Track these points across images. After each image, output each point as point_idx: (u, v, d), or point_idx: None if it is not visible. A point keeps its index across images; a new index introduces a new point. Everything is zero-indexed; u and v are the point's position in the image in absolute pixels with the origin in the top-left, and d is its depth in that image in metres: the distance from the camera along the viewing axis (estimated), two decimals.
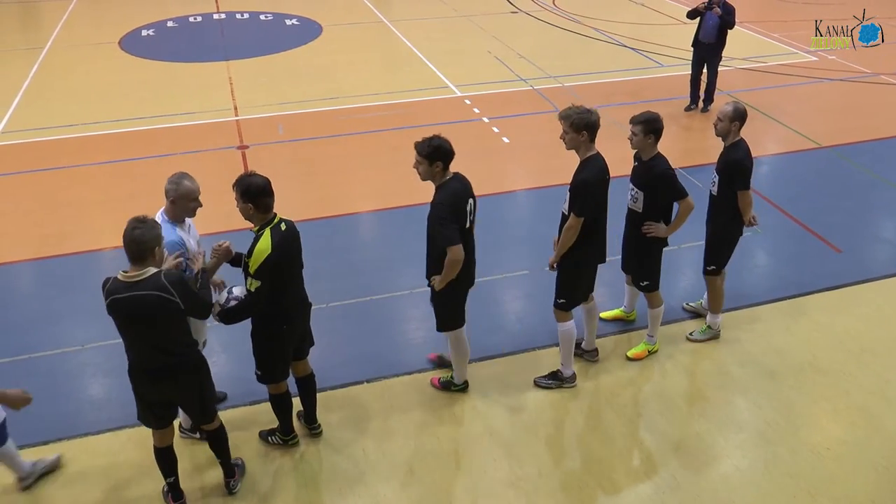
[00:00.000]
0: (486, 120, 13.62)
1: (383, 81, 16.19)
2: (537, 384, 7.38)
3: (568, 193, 6.87)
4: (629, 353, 7.76)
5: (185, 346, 5.57)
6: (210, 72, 17.04)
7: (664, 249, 7.41)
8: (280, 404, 6.47)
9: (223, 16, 22.11)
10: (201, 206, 6.09)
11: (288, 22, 21.27)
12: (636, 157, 7.30)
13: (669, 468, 6.42)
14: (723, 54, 13.91)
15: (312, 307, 6.35)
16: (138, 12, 22.04)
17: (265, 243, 5.67)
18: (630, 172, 7.35)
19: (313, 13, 21.76)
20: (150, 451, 5.94)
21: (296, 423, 6.76)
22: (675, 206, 7.17)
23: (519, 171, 11.80)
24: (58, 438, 6.79)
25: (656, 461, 6.52)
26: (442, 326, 6.93)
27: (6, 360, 7.77)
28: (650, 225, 7.19)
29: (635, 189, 7.24)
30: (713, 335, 7.98)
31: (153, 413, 5.71)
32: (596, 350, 7.71)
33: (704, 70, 13.99)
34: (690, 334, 8.01)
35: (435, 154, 6.27)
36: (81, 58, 18.27)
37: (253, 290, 5.71)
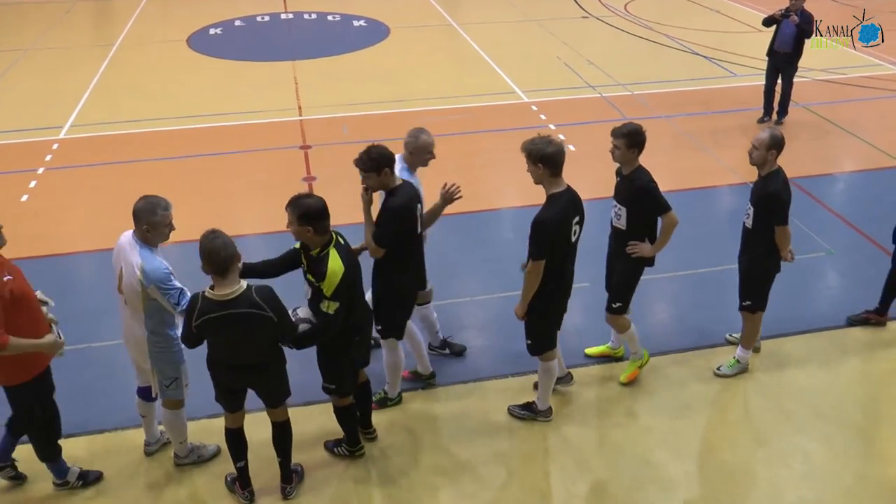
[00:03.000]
0: (552, 127, 13.33)
1: (450, 85, 16.01)
2: (511, 412, 7.03)
3: (620, 206, 6.72)
4: (622, 379, 7.37)
5: (273, 347, 5.64)
6: (276, 71, 17.05)
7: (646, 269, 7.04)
8: (347, 416, 6.41)
9: (291, 16, 22.16)
10: (434, 157, 6.90)
11: (356, 23, 21.22)
12: (617, 172, 6.92)
13: None
14: (799, 64, 13.40)
15: None
16: (207, 11, 22.20)
17: (336, 263, 5.60)
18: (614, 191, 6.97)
19: (381, 15, 21.67)
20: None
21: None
22: (660, 221, 6.81)
23: (583, 180, 11.36)
24: (113, 428, 6.84)
25: None
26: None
27: (68, 347, 7.75)
28: (634, 244, 6.81)
29: (618, 205, 6.87)
30: (741, 370, 7.47)
31: (230, 396, 5.81)
32: (568, 374, 7.30)
33: (779, 81, 13.50)
34: (718, 369, 7.51)
35: (380, 162, 6.28)
36: (150, 55, 18.46)
37: (332, 312, 5.65)
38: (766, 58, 13.49)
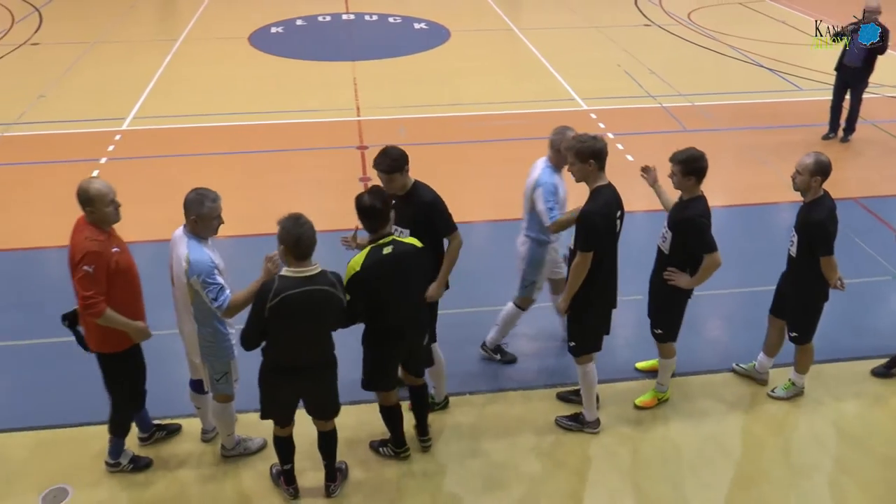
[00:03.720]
0: (610, 136, 13.16)
1: (508, 90, 15.93)
2: (558, 423, 6.93)
3: (668, 229, 6.51)
4: (637, 402, 7.18)
5: (331, 344, 5.69)
6: (335, 71, 17.13)
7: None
8: (387, 416, 6.40)
9: (352, 16, 22.27)
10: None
11: (416, 26, 21.24)
12: (680, 196, 6.67)
13: None
14: (870, 80, 13.06)
15: None
16: (269, 10, 22.39)
17: (356, 261, 5.71)
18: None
19: (442, 18, 21.65)
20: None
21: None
22: None
23: (640, 191, 11.26)
24: (163, 417, 6.90)
25: None
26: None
27: None
28: (672, 272, 6.55)
29: (666, 227, 6.62)
30: (796, 392, 7.23)
31: (283, 409, 5.81)
32: (597, 420, 7.02)
33: (847, 97, 13.15)
34: (773, 391, 7.28)
35: (402, 162, 6.27)
36: (212, 51, 18.68)
37: (346, 298, 5.67)
38: (835, 72, 13.15)
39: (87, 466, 6.44)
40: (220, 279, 5.65)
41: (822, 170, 6.49)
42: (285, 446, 6.00)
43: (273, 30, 20.58)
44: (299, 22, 21.48)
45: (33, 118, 14.21)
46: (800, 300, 6.91)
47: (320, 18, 21.93)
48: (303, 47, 18.97)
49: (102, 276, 5.56)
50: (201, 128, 13.84)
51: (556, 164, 6.95)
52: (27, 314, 8.46)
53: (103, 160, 12.26)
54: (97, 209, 5.67)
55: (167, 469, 6.46)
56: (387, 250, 5.74)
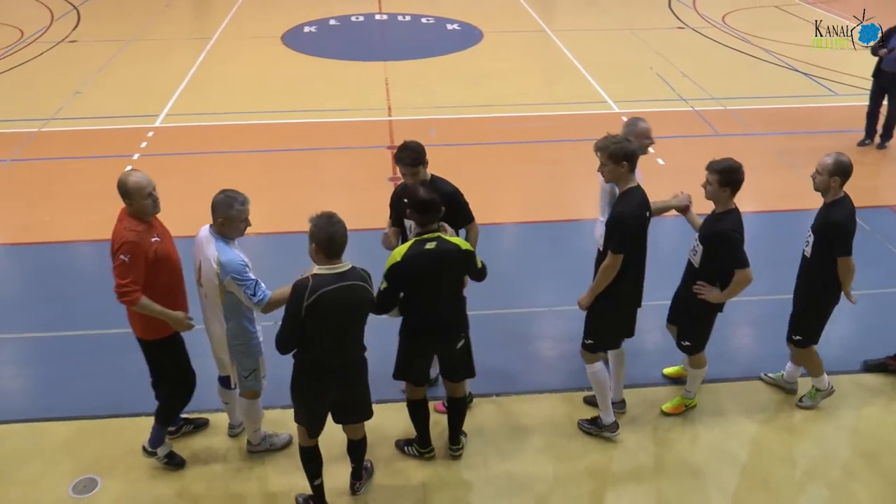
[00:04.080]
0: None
1: (540, 92, 15.90)
2: (580, 427, 6.89)
3: (699, 243, 6.43)
4: (664, 407, 7.09)
5: (363, 340, 5.67)
6: (367, 71, 17.19)
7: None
8: (412, 412, 6.42)
9: (385, 17, 22.33)
10: (653, 143, 6.95)
11: (449, 26, 21.26)
12: (713, 209, 6.54)
13: None
14: None
15: None
16: (302, 9, 22.52)
17: (399, 251, 5.76)
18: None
19: (475, 19, 21.65)
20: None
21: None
22: None
23: (671, 195, 11.26)
24: (189, 412, 6.87)
25: None
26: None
27: None
28: (702, 286, 6.43)
29: (697, 241, 6.50)
30: (825, 395, 7.09)
31: (318, 415, 5.73)
32: (623, 402, 7.04)
33: (885, 102, 12.95)
34: (800, 401, 7.16)
35: (422, 154, 6.47)
36: (245, 49, 18.84)
37: (381, 288, 5.76)
38: (872, 78, 12.97)
39: (117, 458, 6.51)
40: (251, 275, 5.73)
41: (841, 170, 6.39)
42: (313, 458, 5.89)
43: (306, 29, 20.69)
44: (332, 22, 21.57)
45: (69, 114, 14.40)
46: (809, 301, 6.78)
47: (353, 18, 22.01)
48: (335, 47, 19.06)
49: (139, 266, 5.66)
50: (233, 125, 13.94)
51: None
52: (59, 306, 8.57)
53: (136, 156, 12.39)
54: (134, 201, 5.80)
55: (193, 463, 6.51)
56: (430, 245, 5.75)
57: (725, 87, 16.01)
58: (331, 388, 5.60)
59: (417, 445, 6.56)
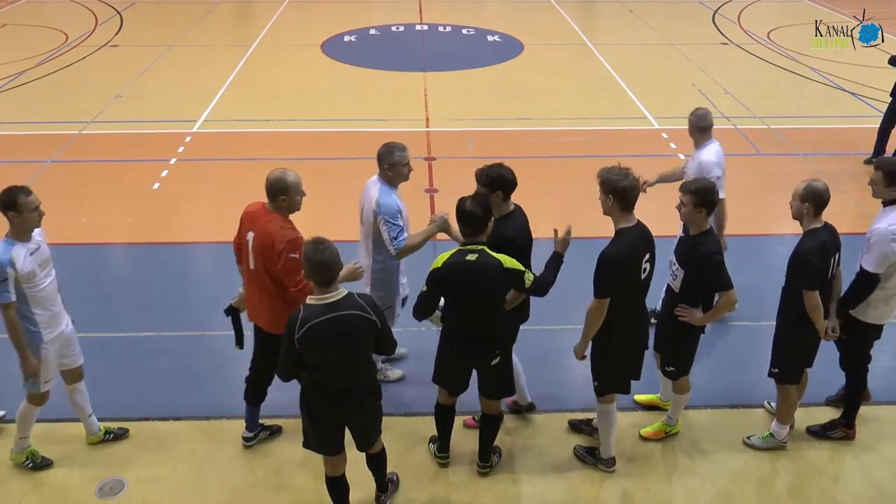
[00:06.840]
0: (681, 157, 12.85)
1: (580, 106, 15.76)
2: (576, 453, 6.70)
3: (679, 267, 6.23)
4: (642, 432, 6.88)
5: (371, 369, 5.62)
6: (406, 81, 17.16)
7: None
8: (437, 413, 6.42)
9: (425, 27, 22.31)
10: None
11: (490, 38, 21.18)
12: (684, 229, 6.33)
13: None
14: None
15: None
16: (343, 18, 22.59)
17: (442, 257, 5.80)
18: None
19: (517, 31, 21.55)
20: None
21: None
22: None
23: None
24: (218, 416, 7.01)
25: None
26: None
27: (182, 333, 8.19)
28: (684, 308, 6.20)
29: (676, 265, 6.27)
30: (775, 445, 6.70)
31: (327, 436, 5.53)
32: (612, 459, 6.59)
33: None
34: (748, 438, 6.81)
35: (496, 183, 6.34)
36: (284, 57, 18.89)
37: (422, 291, 5.84)
38: (891, 98, 12.63)
39: (145, 461, 6.50)
40: (400, 222, 6.39)
41: (811, 196, 6.08)
42: (339, 488, 5.72)
43: (346, 38, 20.72)
44: (372, 31, 21.61)
45: (109, 117, 14.51)
46: (784, 337, 6.45)
47: (394, 28, 22.02)
48: (375, 56, 19.06)
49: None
50: (271, 133, 13.97)
51: None
52: (97, 307, 8.55)
53: (173, 161, 12.44)
54: (290, 197, 6.10)
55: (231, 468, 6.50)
56: (471, 257, 5.69)
57: (769, 105, 15.75)
58: (335, 411, 5.42)
59: (437, 448, 6.58)
